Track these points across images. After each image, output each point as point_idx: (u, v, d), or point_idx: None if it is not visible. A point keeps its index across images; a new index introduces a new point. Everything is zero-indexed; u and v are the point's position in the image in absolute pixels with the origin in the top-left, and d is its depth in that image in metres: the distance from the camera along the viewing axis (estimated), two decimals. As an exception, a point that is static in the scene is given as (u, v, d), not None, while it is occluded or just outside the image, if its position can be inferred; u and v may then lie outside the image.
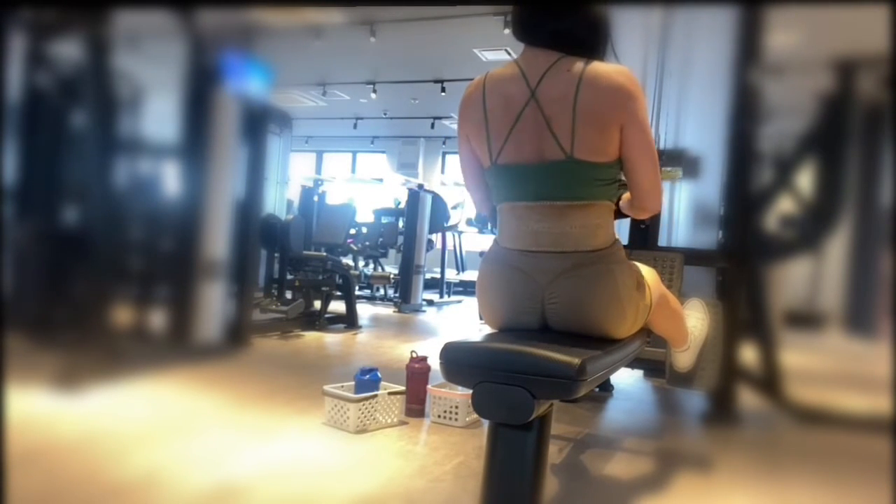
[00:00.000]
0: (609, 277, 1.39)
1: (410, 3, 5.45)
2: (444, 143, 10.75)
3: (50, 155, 2.43)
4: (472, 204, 1.72)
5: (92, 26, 2.36)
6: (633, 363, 2.79)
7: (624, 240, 2.71)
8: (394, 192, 9.70)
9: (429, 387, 2.58)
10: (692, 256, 2.89)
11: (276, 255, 4.93)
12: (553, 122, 1.35)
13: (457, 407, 2.48)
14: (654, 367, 2.89)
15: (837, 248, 2.59)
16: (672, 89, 3.36)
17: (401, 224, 7.42)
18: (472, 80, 1.50)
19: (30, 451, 1.92)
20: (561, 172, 1.37)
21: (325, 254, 5.21)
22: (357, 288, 5.82)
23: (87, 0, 2.40)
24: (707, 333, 2.06)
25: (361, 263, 7.56)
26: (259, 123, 3.25)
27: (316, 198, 7.09)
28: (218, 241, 2.89)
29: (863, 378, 2.45)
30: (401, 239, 7.18)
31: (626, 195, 1.54)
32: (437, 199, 7.19)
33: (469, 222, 8.80)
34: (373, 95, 8.02)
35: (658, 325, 1.66)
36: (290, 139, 8.44)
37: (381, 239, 7.61)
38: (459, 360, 1.28)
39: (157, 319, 2.75)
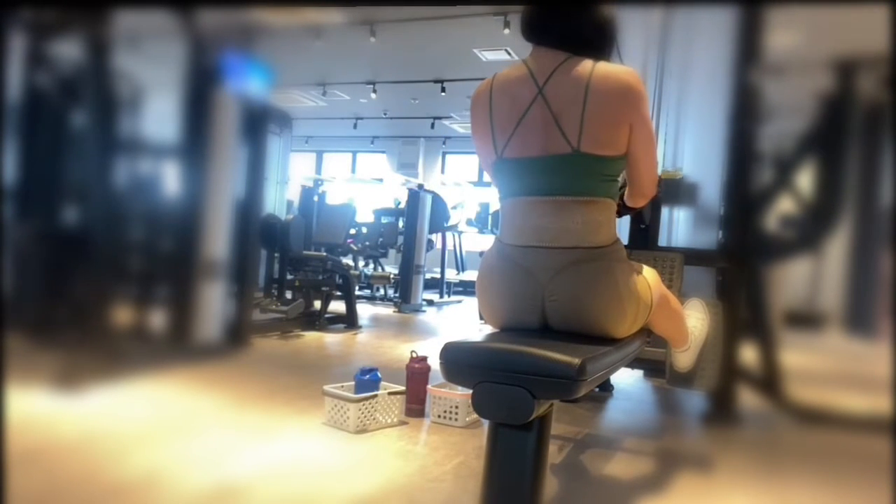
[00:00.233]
0: (610, 275, 1.40)
1: (410, 3, 5.45)
2: (444, 143, 10.75)
3: (50, 155, 2.43)
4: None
5: (92, 26, 2.36)
6: (633, 363, 2.79)
7: (624, 240, 2.71)
8: (394, 192, 9.70)
9: (429, 387, 2.58)
10: (692, 256, 2.89)
11: (276, 255, 4.93)
12: (561, 117, 1.37)
13: (457, 407, 2.48)
14: (654, 367, 2.89)
15: (837, 248, 2.59)
16: (672, 89, 3.36)
17: (401, 224, 7.42)
18: (471, 80, 1.53)
19: (30, 451, 1.92)
20: (566, 166, 1.39)
21: (325, 254, 5.21)
22: (357, 288, 5.82)
23: (87, 0, 2.40)
24: (707, 333, 2.06)
25: (361, 263, 7.56)
26: (259, 123, 3.25)
27: (316, 198, 7.08)
28: (218, 241, 2.89)
29: (863, 378, 2.45)
30: (401, 239, 7.19)
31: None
32: (437, 199, 7.19)
33: (469, 222, 8.80)
34: (373, 95, 8.03)
35: (658, 325, 1.67)
36: (290, 139, 8.44)
37: (381, 239, 7.62)
38: (459, 360, 1.28)
39: (157, 319, 2.75)
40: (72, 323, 2.46)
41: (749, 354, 2.68)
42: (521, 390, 1.17)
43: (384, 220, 7.95)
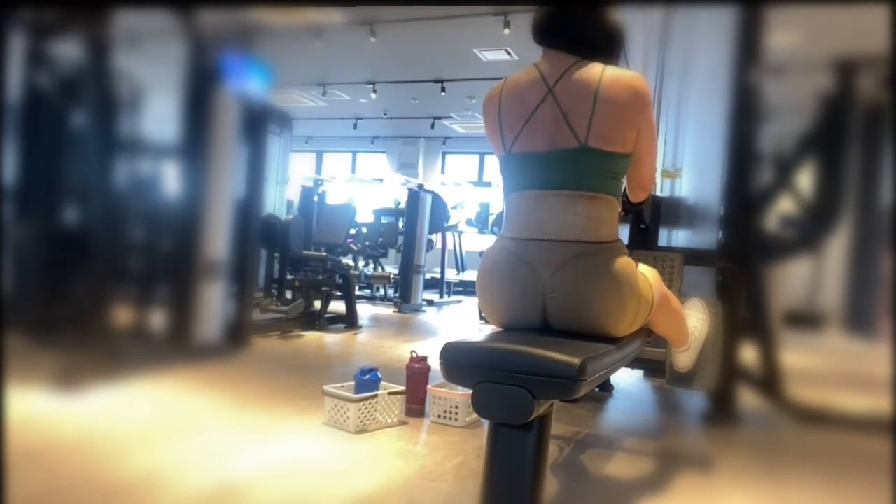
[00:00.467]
0: (611, 270, 1.40)
1: (410, 3, 5.45)
2: (444, 143, 10.75)
3: (50, 155, 2.43)
4: None
5: (92, 26, 2.36)
6: (633, 363, 2.79)
7: (624, 240, 2.71)
8: (394, 192, 9.70)
9: (429, 387, 2.58)
10: (692, 256, 2.89)
11: (276, 255, 4.93)
12: (570, 114, 1.41)
13: (457, 407, 2.48)
14: (654, 367, 2.89)
15: (837, 248, 2.59)
16: (672, 89, 3.36)
17: (401, 224, 7.42)
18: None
19: (30, 451, 1.92)
20: (572, 160, 1.42)
21: (325, 254, 5.21)
22: (357, 288, 5.82)
23: (87, 0, 2.40)
24: (707, 333, 2.06)
25: (361, 263, 7.56)
26: (259, 123, 3.25)
27: (316, 198, 7.08)
28: (218, 241, 2.89)
29: (863, 378, 2.45)
30: (401, 239, 7.18)
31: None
32: (437, 199, 7.19)
33: (469, 222, 8.80)
34: (373, 95, 8.02)
35: (659, 324, 1.67)
36: (290, 139, 8.43)
37: (381, 239, 7.61)
38: (459, 360, 1.28)
39: (157, 319, 2.75)
40: (72, 323, 2.46)
41: (749, 354, 2.68)
42: (521, 390, 1.17)
43: (384, 220, 7.95)
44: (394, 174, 10.44)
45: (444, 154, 11.13)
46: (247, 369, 3.25)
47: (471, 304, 7.35)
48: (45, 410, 2.22)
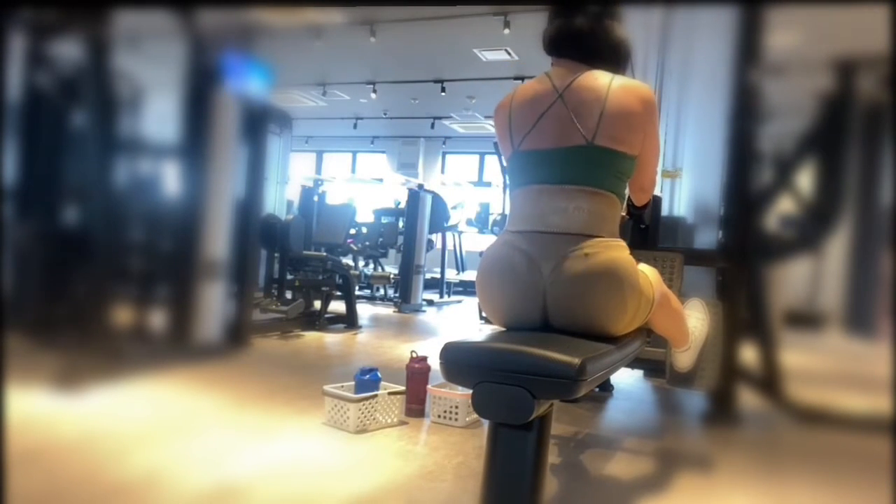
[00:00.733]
0: (611, 266, 1.41)
1: (410, 3, 5.45)
2: (444, 143, 10.75)
3: (50, 155, 2.43)
4: None
5: (92, 26, 2.36)
6: (633, 363, 2.79)
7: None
8: (394, 192, 9.70)
9: (429, 387, 2.58)
10: (692, 256, 2.89)
11: (276, 255, 4.93)
12: (578, 114, 1.45)
13: (457, 407, 2.48)
14: (654, 367, 2.89)
15: (837, 248, 2.59)
16: (672, 89, 3.36)
17: (401, 224, 7.42)
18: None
19: (30, 451, 1.93)
20: (579, 157, 1.45)
21: (325, 254, 5.21)
22: (357, 288, 5.82)
23: (87, 0, 2.40)
24: (707, 333, 2.06)
25: (361, 263, 7.56)
26: (259, 123, 3.25)
27: (316, 198, 7.08)
28: (218, 241, 2.89)
29: (863, 378, 2.45)
30: (401, 239, 7.18)
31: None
32: (437, 199, 7.19)
33: (469, 222, 8.80)
34: (373, 95, 8.02)
35: (659, 324, 1.67)
36: (290, 139, 8.44)
37: (381, 239, 7.61)
38: (459, 360, 1.28)
39: (157, 319, 2.75)
40: (72, 323, 2.46)
41: (749, 354, 2.68)
42: (521, 390, 1.17)
43: (384, 220, 7.95)
44: (394, 174, 10.44)
45: (444, 154, 11.13)
46: (247, 369, 3.25)
47: (471, 304, 7.35)
48: (45, 410, 2.22)
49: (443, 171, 11.16)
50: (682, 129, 3.37)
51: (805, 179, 2.69)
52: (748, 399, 2.68)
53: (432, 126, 9.81)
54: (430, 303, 7.13)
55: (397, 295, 6.86)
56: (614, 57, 1.56)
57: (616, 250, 1.43)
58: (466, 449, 2.22)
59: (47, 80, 2.45)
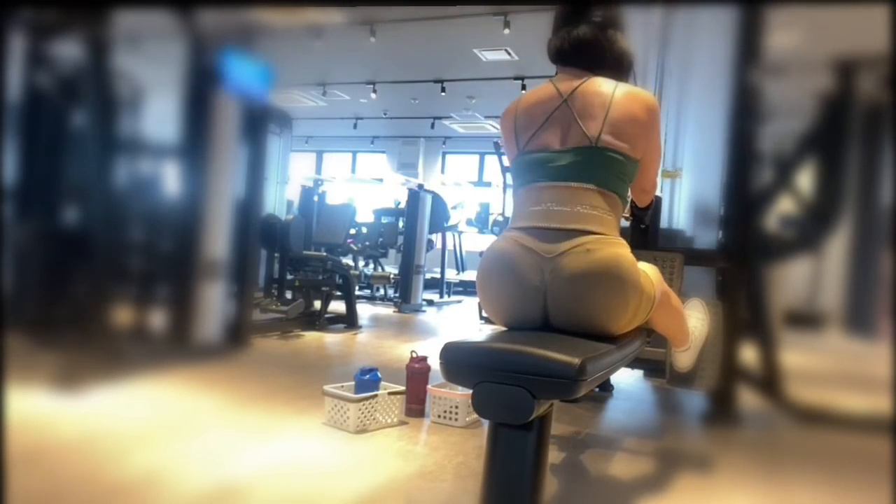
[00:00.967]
0: (612, 263, 1.41)
1: (410, 3, 5.45)
2: (444, 143, 10.75)
3: (50, 155, 2.43)
4: None
5: (92, 26, 2.36)
6: (633, 363, 2.79)
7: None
8: (394, 192, 9.70)
9: (429, 387, 2.58)
10: (692, 256, 2.89)
11: (276, 255, 4.93)
12: (583, 117, 1.49)
13: (457, 407, 2.48)
14: (654, 367, 2.89)
15: (837, 248, 2.59)
16: (672, 89, 3.36)
17: (401, 224, 7.42)
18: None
19: (30, 451, 1.93)
20: (583, 157, 1.48)
21: (325, 254, 5.21)
22: (357, 288, 5.82)
23: (87, 0, 2.40)
24: (707, 333, 2.06)
25: (361, 263, 7.56)
26: (259, 123, 3.25)
27: (316, 198, 7.08)
28: (218, 241, 2.89)
29: (863, 378, 2.45)
30: (401, 239, 7.18)
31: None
32: (437, 199, 7.19)
33: (469, 222, 8.80)
34: (373, 95, 8.02)
35: (659, 323, 1.67)
36: (290, 139, 8.44)
37: (381, 239, 7.61)
38: (459, 360, 1.28)
39: (157, 319, 2.75)
40: (72, 323, 2.46)
41: (749, 354, 2.68)
42: (521, 390, 1.17)
43: (384, 220, 7.95)
44: (394, 174, 10.44)
45: (444, 154, 11.13)
46: (247, 369, 3.25)
47: (471, 304, 7.35)
48: (45, 410, 2.22)
49: (443, 171, 11.16)
50: (682, 129, 3.37)
51: (805, 179, 2.69)
52: (748, 399, 2.68)
53: (432, 126, 9.82)
54: (430, 303, 7.13)
55: (397, 295, 6.86)
56: (618, 66, 1.60)
57: (617, 247, 1.44)
58: (466, 449, 2.22)
59: (47, 80, 2.45)
